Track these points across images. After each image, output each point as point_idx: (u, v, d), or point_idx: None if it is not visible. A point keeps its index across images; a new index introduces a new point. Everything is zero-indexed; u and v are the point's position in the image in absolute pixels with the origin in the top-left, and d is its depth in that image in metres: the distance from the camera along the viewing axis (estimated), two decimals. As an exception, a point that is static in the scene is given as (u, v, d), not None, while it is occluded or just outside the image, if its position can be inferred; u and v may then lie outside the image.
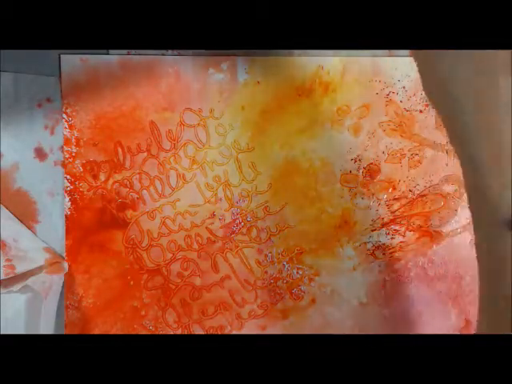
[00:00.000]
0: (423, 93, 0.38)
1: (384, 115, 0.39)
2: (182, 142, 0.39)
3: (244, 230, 0.39)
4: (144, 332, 0.39)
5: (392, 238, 0.39)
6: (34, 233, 0.39)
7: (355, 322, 0.40)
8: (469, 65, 0.26)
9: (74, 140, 0.38)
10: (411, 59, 0.39)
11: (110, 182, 0.39)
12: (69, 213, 0.39)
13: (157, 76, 0.38)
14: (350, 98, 0.39)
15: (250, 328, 0.40)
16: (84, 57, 0.38)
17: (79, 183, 0.39)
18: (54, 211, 0.39)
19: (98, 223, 0.39)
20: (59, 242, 0.39)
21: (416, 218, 0.39)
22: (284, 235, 0.39)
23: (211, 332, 0.40)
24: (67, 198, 0.39)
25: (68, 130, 0.38)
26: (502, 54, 0.25)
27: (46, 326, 0.37)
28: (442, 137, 0.39)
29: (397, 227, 0.39)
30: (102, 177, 0.39)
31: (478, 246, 0.26)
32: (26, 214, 0.39)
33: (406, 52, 0.39)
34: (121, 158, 0.39)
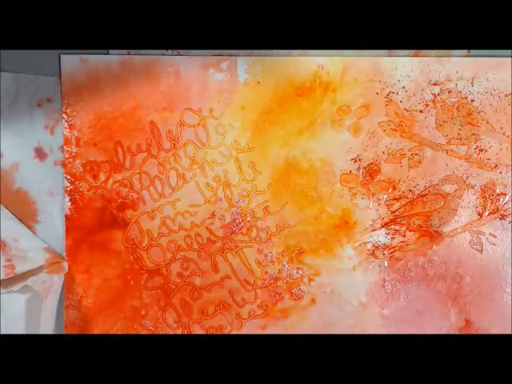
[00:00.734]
0: (423, 93, 0.39)
1: (384, 115, 0.39)
2: (182, 141, 0.39)
3: (244, 230, 0.39)
4: (144, 332, 0.39)
5: (392, 238, 0.39)
6: (34, 233, 0.39)
7: (355, 322, 0.40)
8: None
9: (74, 140, 0.38)
10: (411, 59, 0.39)
11: (110, 181, 0.39)
12: (69, 213, 0.39)
13: (157, 76, 0.38)
14: (350, 98, 0.39)
15: (250, 328, 0.40)
16: (84, 57, 0.38)
17: (79, 183, 0.39)
18: (53, 211, 0.39)
19: (98, 223, 0.39)
20: (59, 242, 0.39)
21: (416, 217, 0.39)
22: (284, 235, 0.39)
23: (211, 332, 0.40)
24: (67, 198, 0.39)
25: (68, 130, 0.38)
26: None
27: (45, 326, 0.37)
28: (441, 137, 0.39)
29: (397, 227, 0.39)
30: (102, 177, 0.39)
31: None
32: (25, 213, 0.39)
33: (406, 52, 0.39)
34: (121, 158, 0.39)
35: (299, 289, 0.40)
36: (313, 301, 0.40)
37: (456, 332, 0.40)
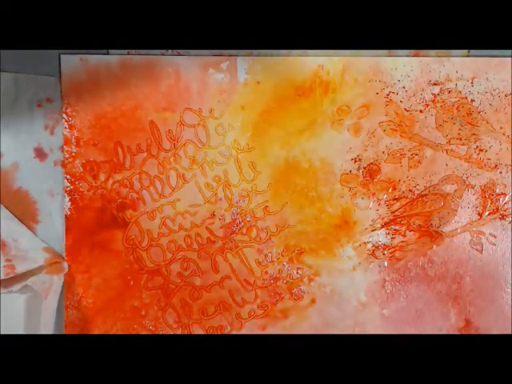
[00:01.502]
0: (423, 93, 0.39)
1: (384, 115, 0.39)
2: (182, 141, 0.39)
3: (244, 230, 0.39)
4: (144, 332, 0.39)
5: (392, 238, 0.39)
6: (34, 233, 0.39)
7: (355, 322, 0.40)
8: None
9: (74, 140, 0.38)
10: (411, 59, 0.39)
11: (110, 182, 0.39)
12: (69, 213, 0.39)
13: (157, 76, 0.38)
14: (350, 98, 0.39)
15: (250, 328, 0.40)
16: (84, 57, 0.38)
17: (79, 183, 0.39)
18: (53, 211, 0.39)
19: (97, 223, 0.39)
20: (59, 242, 0.39)
21: (416, 217, 0.39)
22: (284, 235, 0.39)
23: (211, 332, 0.40)
24: (67, 198, 0.39)
25: (68, 130, 0.38)
26: None
27: (45, 326, 0.37)
28: (441, 137, 0.39)
29: (397, 227, 0.39)
30: (102, 177, 0.39)
31: None
32: (25, 214, 0.39)
33: (406, 52, 0.39)
34: (121, 158, 0.39)
35: (299, 289, 0.40)
36: (313, 301, 0.40)
37: (456, 332, 0.40)
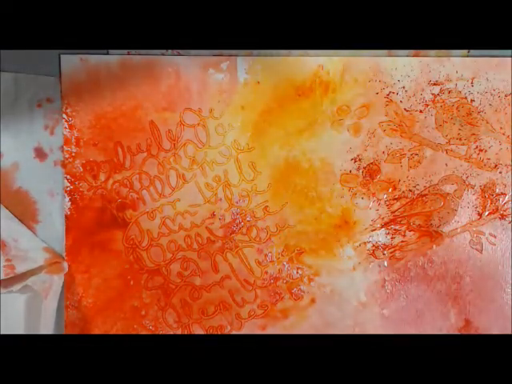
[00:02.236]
0: (423, 93, 0.39)
1: (384, 115, 0.39)
2: (181, 141, 0.39)
3: (244, 230, 0.39)
4: (144, 332, 0.39)
5: (392, 238, 0.39)
6: (34, 233, 0.39)
7: (355, 322, 0.40)
8: None
9: (74, 140, 0.38)
10: (411, 59, 0.39)
11: (110, 182, 0.39)
12: (69, 213, 0.39)
13: (157, 76, 0.38)
14: (350, 98, 0.39)
15: (250, 328, 0.40)
16: (84, 57, 0.38)
17: (79, 183, 0.39)
18: (53, 211, 0.39)
19: (97, 223, 0.39)
20: (59, 242, 0.39)
21: (416, 217, 0.39)
22: (284, 235, 0.39)
23: (211, 332, 0.40)
24: (67, 198, 0.39)
25: (68, 130, 0.38)
26: None
27: (45, 326, 0.37)
28: (441, 137, 0.39)
29: (397, 227, 0.39)
30: (102, 177, 0.39)
31: None
32: (25, 214, 0.39)
33: (406, 52, 0.39)
34: (121, 158, 0.39)
35: (299, 289, 0.40)
36: (313, 301, 0.40)
37: (456, 332, 0.40)
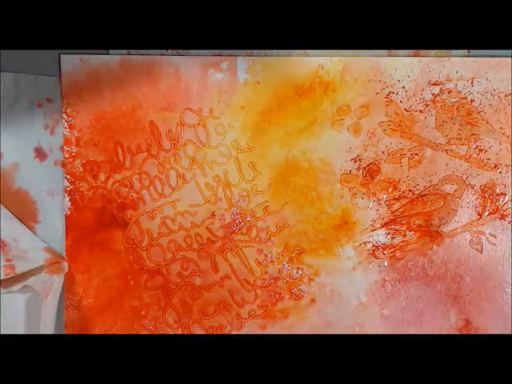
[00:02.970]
0: (423, 93, 0.39)
1: (384, 115, 0.39)
2: (182, 141, 0.39)
3: (244, 230, 0.39)
4: (144, 332, 0.39)
5: (392, 238, 0.39)
6: (34, 233, 0.39)
7: (355, 322, 0.40)
8: None
9: (74, 140, 0.38)
10: (411, 59, 0.39)
11: (110, 182, 0.39)
12: (69, 213, 0.39)
13: (157, 76, 0.38)
14: (350, 98, 0.39)
15: (250, 328, 0.40)
16: (84, 57, 0.38)
17: (79, 183, 0.39)
18: (54, 211, 0.39)
19: (97, 223, 0.39)
20: (59, 241, 0.39)
21: (416, 217, 0.39)
22: (284, 235, 0.39)
23: (211, 332, 0.40)
24: (67, 198, 0.39)
25: (68, 130, 0.38)
26: None
27: (45, 326, 0.37)
28: (441, 137, 0.39)
29: (397, 227, 0.39)
30: (102, 177, 0.39)
31: None
32: (25, 214, 0.39)
33: (406, 52, 0.39)
34: (121, 158, 0.39)
35: (299, 289, 0.40)
36: (313, 301, 0.40)
37: (456, 332, 0.40)
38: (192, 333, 0.40)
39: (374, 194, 0.39)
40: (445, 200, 0.39)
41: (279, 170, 0.39)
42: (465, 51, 0.38)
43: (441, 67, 0.38)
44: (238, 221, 0.39)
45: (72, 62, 0.38)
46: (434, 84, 0.39)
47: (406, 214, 0.39)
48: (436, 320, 0.40)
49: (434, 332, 0.40)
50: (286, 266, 0.39)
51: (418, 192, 0.39)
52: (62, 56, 0.38)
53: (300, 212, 0.39)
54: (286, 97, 0.39)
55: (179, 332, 0.40)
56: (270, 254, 0.39)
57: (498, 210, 0.39)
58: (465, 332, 0.40)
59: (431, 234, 0.39)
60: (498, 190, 0.39)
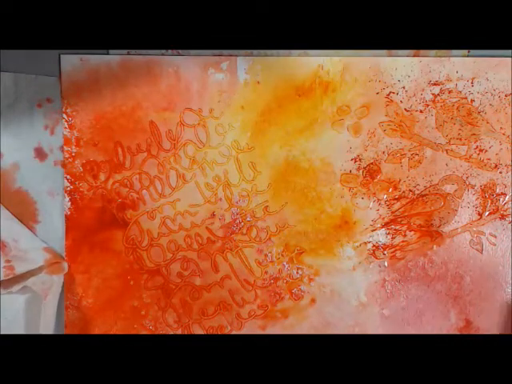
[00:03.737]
0: (423, 93, 0.39)
1: (384, 115, 0.39)
2: (182, 141, 0.39)
3: (244, 230, 0.39)
4: (144, 332, 0.39)
5: (392, 238, 0.39)
6: (34, 233, 0.39)
7: (355, 322, 0.40)
8: None
9: (74, 140, 0.38)
10: (411, 59, 0.39)
11: (110, 182, 0.39)
12: (69, 213, 0.39)
13: (157, 76, 0.38)
14: (350, 98, 0.39)
15: (250, 328, 0.40)
16: (84, 57, 0.38)
17: (79, 183, 0.39)
18: (54, 211, 0.39)
19: (98, 223, 0.39)
20: (59, 242, 0.39)
21: (416, 217, 0.39)
22: (284, 235, 0.39)
23: (211, 332, 0.40)
24: (67, 198, 0.39)
25: (68, 130, 0.38)
26: None
27: (45, 326, 0.37)
28: (441, 137, 0.39)
29: (397, 227, 0.39)
30: (102, 177, 0.39)
31: None
32: (25, 214, 0.39)
33: (406, 52, 0.39)
34: (121, 158, 0.39)
35: (299, 289, 0.40)
36: (313, 301, 0.40)
37: (456, 332, 0.40)
38: (192, 333, 0.40)
39: (374, 194, 0.39)
40: (445, 200, 0.39)
41: (279, 170, 0.39)
42: (465, 51, 0.38)
43: (441, 67, 0.38)
44: (238, 221, 0.39)
45: (72, 62, 0.38)
46: (434, 84, 0.39)
47: (406, 214, 0.39)
48: (436, 320, 0.40)
49: (434, 332, 0.40)
50: (286, 266, 0.39)
51: (419, 192, 0.39)
52: (62, 56, 0.38)
53: (300, 212, 0.39)
54: (285, 97, 0.39)
55: (179, 332, 0.40)
56: (270, 254, 0.39)
57: (498, 210, 0.39)
58: (465, 332, 0.39)
59: (431, 234, 0.39)
60: (498, 190, 0.39)
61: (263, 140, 0.39)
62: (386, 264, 0.39)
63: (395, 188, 0.39)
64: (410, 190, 0.39)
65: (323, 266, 0.39)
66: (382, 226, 0.39)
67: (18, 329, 0.37)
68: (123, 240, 0.39)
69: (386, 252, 0.39)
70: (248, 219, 0.39)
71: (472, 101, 0.39)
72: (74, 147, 0.38)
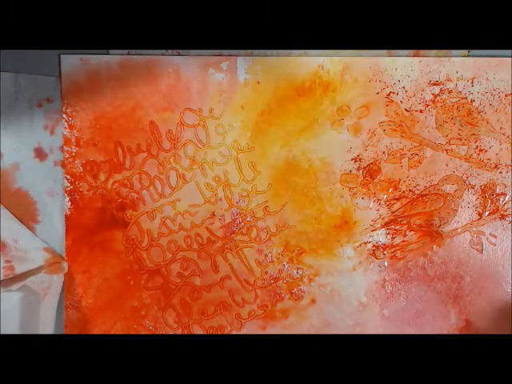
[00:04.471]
0: (423, 93, 0.39)
1: (384, 115, 0.39)
2: (182, 141, 0.39)
3: (244, 230, 0.39)
4: (144, 332, 0.39)
5: (392, 238, 0.39)
6: (34, 233, 0.39)
7: (355, 322, 0.40)
8: None
9: (74, 140, 0.38)
10: (411, 59, 0.39)
11: (110, 182, 0.39)
12: (69, 213, 0.39)
13: (157, 76, 0.38)
14: (350, 98, 0.39)
15: (250, 328, 0.40)
16: (84, 57, 0.38)
17: (79, 183, 0.39)
18: (54, 211, 0.39)
19: (97, 223, 0.39)
20: (59, 241, 0.39)
21: (416, 217, 0.39)
22: (284, 235, 0.39)
23: (211, 332, 0.40)
24: (67, 198, 0.39)
25: (68, 130, 0.38)
26: None
27: (45, 326, 0.37)
28: (441, 137, 0.39)
29: (397, 227, 0.39)
30: (102, 177, 0.39)
31: None
32: (26, 214, 0.39)
33: (406, 52, 0.39)
34: (121, 158, 0.39)
35: (299, 289, 0.40)
36: (313, 301, 0.40)
37: (456, 332, 0.40)
38: (192, 333, 0.40)
39: (374, 194, 0.39)
40: (445, 200, 0.39)
41: (279, 170, 0.39)
42: (465, 51, 0.38)
43: (441, 67, 0.38)
44: (238, 221, 0.39)
45: (72, 62, 0.38)
46: (434, 84, 0.39)
47: (406, 214, 0.39)
48: (436, 320, 0.40)
49: (435, 332, 0.40)
50: (286, 266, 0.39)
51: (419, 192, 0.39)
52: (62, 56, 0.38)
53: (300, 212, 0.39)
54: (285, 97, 0.39)
55: (179, 332, 0.39)
56: (270, 254, 0.39)
57: (498, 210, 0.39)
58: (465, 332, 0.39)
59: (431, 234, 0.39)
60: (498, 190, 0.39)
61: (263, 140, 0.39)
62: (386, 264, 0.39)
63: (395, 188, 0.39)
64: (410, 190, 0.39)
65: (323, 266, 0.39)
66: (382, 226, 0.39)
67: (12, 326, 0.37)
68: (123, 240, 0.39)
69: (386, 252, 0.39)
70: (248, 219, 0.39)
71: (472, 101, 0.39)
72: (73, 147, 0.38)
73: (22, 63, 0.38)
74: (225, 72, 0.38)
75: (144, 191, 0.39)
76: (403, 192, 0.39)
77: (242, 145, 0.39)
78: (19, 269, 0.37)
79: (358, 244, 0.39)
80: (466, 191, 0.39)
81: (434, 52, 0.38)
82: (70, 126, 0.38)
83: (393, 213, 0.39)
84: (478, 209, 0.39)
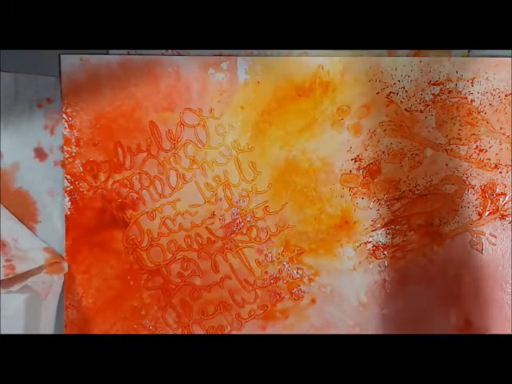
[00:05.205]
0: (423, 93, 0.39)
1: (384, 115, 0.39)
2: (181, 142, 0.39)
3: (244, 230, 0.39)
4: (144, 332, 0.39)
5: (392, 238, 0.39)
6: (34, 233, 0.39)
7: (355, 322, 0.40)
8: None
9: (74, 140, 0.38)
10: (411, 59, 0.39)
11: (110, 182, 0.39)
12: (69, 213, 0.39)
13: (157, 76, 0.38)
14: (350, 97, 0.39)
15: (250, 328, 0.40)
16: (84, 57, 0.38)
17: (79, 183, 0.39)
18: (54, 211, 0.39)
19: (97, 223, 0.39)
20: (59, 242, 0.39)
21: (416, 217, 0.39)
22: (284, 235, 0.39)
23: (211, 332, 0.40)
24: (67, 198, 0.39)
25: (68, 130, 0.38)
26: None
27: (45, 326, 0.37)
28: (442, 137, 0.39)
29: (397, 227, 0.39)
30: (102, 177, 0.39)
31: None
32: (26, 214, 0.39)
33: (406, 52, 0.39)
34: (121, 158, 0.39)
35: (299, 289, 0.40)
36: (313, 301, 0.40)
37: (456, 332, 0.40)
38: (192, 333, 0.40)
39: (375, 194, 0.39)
40: (445, 200, 0.39)
41: (279, 170, 0.39)
42: (465, 51, 0.38)
43: (441, 67, 0.38)
44: (238, 221, 0.39)
45: (72, 62, 0.38)
46: (434, 84, 0.39)
47: (406, 214, 0.39)
48: (436, 320, 0.40)
49: (434, 332, 0.40)
50: (286, 266, 0.39)
51: (419, 192, 0.39)
52: (62, 56, 0.38)
53: (300, 212, 0.39)
54: (285, 97, 0.39)
55: (179, 332, 0.39)
56: (270, 254, 0.39)
57: (498, 210, 0.39)
58: (465, 332, 0.39)
59: (431, 234, 0.39)
60: (498, 190, 0.39)
61: (263, 140, 0.39)
62: (386, 264, 0.39)
63: (395, 188, 0.39)
64: (410, 190, 0.39)
65: (323, 266, 0.39)
66: (382, 226, 0.39)
67: (17, 328, 0.37)
68: (123, 240, 0.39)
69: (386, 252, 0.39)
70: (248, 219, 0.39)
71: (472, 101, 0.39)
72: (73, 147, 0.38)
73: (22, 63, 0.38)
74: (225, 72, 0.38)
75: (144, 191, 0.39)
76: (403, 192, 0.39)
77: (242, 145, 0.39)
78: (19, 268, 0.37)
79: (358, 244, 0.39)
80: (466, 191, 0.39)
81: (434, 52, 0.38)
82: (70, 126, 0.38)
83: (393, 213, 0.39)
84: (477, 209, 0.39)
